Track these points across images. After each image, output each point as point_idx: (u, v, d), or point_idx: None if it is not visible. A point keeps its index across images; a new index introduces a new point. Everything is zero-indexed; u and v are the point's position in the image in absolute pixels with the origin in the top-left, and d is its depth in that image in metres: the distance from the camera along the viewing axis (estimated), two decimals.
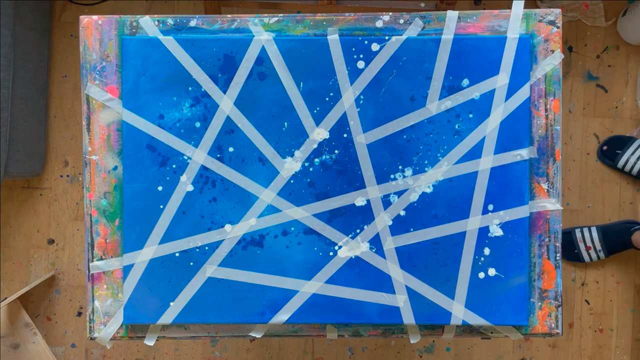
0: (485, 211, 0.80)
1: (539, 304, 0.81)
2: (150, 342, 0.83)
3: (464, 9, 0.83)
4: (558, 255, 0.81)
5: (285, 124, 0.80)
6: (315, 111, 0.80)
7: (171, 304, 0.80)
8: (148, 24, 0.81)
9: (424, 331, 0.82)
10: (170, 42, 0.80)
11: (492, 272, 0.80)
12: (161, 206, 0.80)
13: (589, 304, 1.53)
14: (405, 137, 0.80)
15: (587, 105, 1.53)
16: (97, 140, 0.82)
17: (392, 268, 0.80)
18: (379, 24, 0.81)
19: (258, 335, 0.83)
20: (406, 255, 0.80)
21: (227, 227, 0.81)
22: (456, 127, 0.80)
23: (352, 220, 0.80)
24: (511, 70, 0.80)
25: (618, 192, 1.53)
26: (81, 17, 0.82)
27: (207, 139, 0.80)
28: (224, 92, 0.80)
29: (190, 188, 0.80)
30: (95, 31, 0.81)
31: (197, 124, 0.80)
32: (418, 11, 0.89)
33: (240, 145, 0.80)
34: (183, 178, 0.80)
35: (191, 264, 0.80)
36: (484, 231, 0.80)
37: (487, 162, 0.80)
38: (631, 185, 1.52)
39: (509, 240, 0.80)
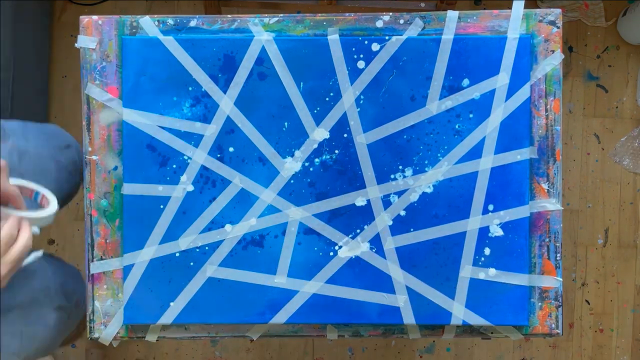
0: (485, 211, 0.80)
1: (539, 304, 0.81)
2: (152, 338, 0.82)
3: (464, 9, 0.83)
4: (558, 255, 0.81)
5: (286, 124, 0.80)
6: (315, 111, 0.80)
7: (171, 304, 0.80)
8: (148, 24, 0.81)
9: (424, 331, 0.82)
10: (170, 42, 0.80)
11: (492, 272, 0.80)
12: (161, 206, 0.80)
13: (589, 304, 1.53)
14: (405, 137, 0.80)
15: (588, 105, 1.53)
16: (97, 141, 0.82)
17: (392, 268, 0.80)
18: (379, 24, 0.81)
19: (254, 337, 0.82)
20: (406, 255, 0.80)
21: (227, 227, 0.81)
22: (456, 127, 0.80)
23: (352, 220, 0.80)
24: (511, 70, 0.79)
25: (618, 192, 1.53)
26: (81, 17, 0.82)
27: (207, 139, 0.80)
28: (224, 92, 0.80)
29: (190, 188, 0.80)
30: (95, 31, 0.81)
31: (197, 124, 0.80)
32: (418, 11, 0.89)
33: (241, 145, 0.80)
34: (183, 178, 0.80)
35: (191, 264, 0.80)
36: (484, 231, 0.80)
37: (487, 162, 0.80)
38: (631, 185, 1.52)
39: (509, 241, 0.80)
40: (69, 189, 0.91)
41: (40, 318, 0.85)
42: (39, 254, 0.73)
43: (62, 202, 0.90)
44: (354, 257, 0.80)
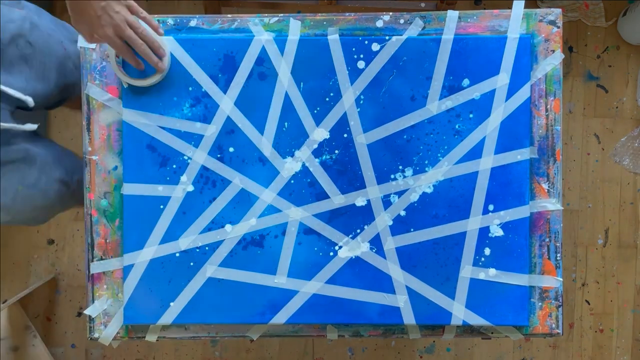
0: (485, 211, 0.80)
1: (540, 304, 0.81)
2: (152, 338, 0.82)
3: (464, 9, 0.83)
4: (558, 255, 0.81)
5: (286, 124, 0.80)
6: (315, 111, 0.80)
7: (171, 304, 0.80)
8: None
9: (424, 331, 0.82)
10: (170, 42, 0.80)
11: (492, 272, 0.80)
12: (161, 206, 0.80)
13: (589, 304, 1.53)
14: (405, 137, 0.80)
15: (588, 105, 1.53)
16: (97, 140, 0.82)
17: (392, 268, 0.80)
18: (380, 24, 0.81)
19: (254, 337, 0.82)
20: (406, 256, 0.80)
21: (228, 227, 0.80)
22: (456, 127, 0.80)
23: (353, 220, 0.80)
24: (511, 70, 0.79)
25: (618, 192, 1.53)
26: None
27: (207, 139, 0.80)
28: (225, 92, 0.80)
29: (190, 188, 0.80)
30: None
31: (198, 124, 0.80)
32: (418, 11, 0.89)
33: (241, 145, 0.80)
34: (183, 178, 0.80)
35: (191, 264, 0.80)
36: (484, 231, 0.80)
37: (487, 162, 0.80)
38: (631, 185, 1.52)
39: (509, 241, 0.80)
40: (72, 80, 0.90)
41: (38, 184, 0.86)
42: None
43: (64, 92, 0.90)
44: (354, 257, 0.80)
